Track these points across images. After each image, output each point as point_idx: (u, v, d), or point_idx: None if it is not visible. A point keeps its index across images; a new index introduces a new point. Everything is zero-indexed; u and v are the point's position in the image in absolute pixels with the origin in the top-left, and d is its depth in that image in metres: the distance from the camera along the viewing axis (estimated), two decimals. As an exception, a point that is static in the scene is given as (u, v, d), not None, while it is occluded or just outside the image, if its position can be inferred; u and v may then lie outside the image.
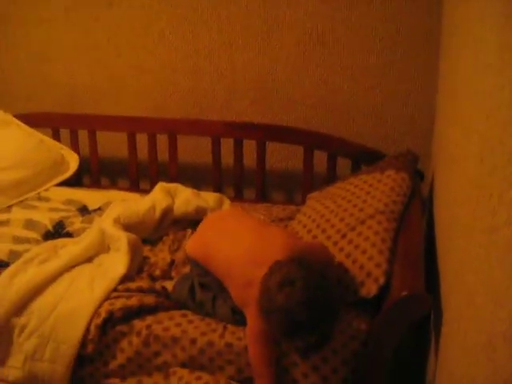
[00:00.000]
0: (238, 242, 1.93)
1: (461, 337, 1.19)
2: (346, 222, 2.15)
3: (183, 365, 1.91)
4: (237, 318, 1.92)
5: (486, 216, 1.03)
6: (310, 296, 1.59)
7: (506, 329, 0.81)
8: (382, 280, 1.85)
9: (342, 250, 2.05)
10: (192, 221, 2.60)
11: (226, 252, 1.92)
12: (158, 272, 2.25)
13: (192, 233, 2.42)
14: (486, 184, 1.05)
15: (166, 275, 2.25)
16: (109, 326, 1.98)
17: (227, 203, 2.73)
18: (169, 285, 2.17)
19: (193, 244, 2.09)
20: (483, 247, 1.04)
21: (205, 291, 2.03)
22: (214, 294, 2.00)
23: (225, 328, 1.92)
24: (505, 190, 0.89)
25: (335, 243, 2.09)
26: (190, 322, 1.97)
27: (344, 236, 2.09)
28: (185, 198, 2.67)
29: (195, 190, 2.74)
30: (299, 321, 1.59)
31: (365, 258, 1.96)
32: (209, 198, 2.72)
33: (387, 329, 1.66)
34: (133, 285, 2.13)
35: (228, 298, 1.93)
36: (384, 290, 1.86)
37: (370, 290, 1.87)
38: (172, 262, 2.31)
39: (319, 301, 1.62)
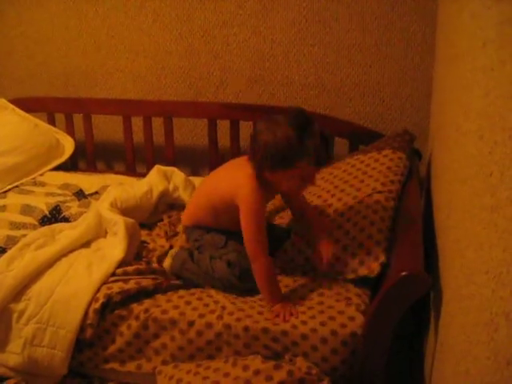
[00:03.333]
0: (214, 176, 2.19)
1: (461, 316, 1.18)
2: (344, 201, 2.17)
3: (181, 348, 1.91)
4: (234, 271, 2.01)
5: (485, 194, 1.02)
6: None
7: (510, 309, 0.80)
8: (382, 258, 1.89)
9: (340, 227, 2.07)
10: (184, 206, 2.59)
11: (207, 185, 2.18)
12: (155, 259, 2.24)
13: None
14: (486, 161, 1.03)
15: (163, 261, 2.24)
16: (107, 311, 1.97)
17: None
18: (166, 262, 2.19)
19: (186, 212, 2.26)
20: (483, 225, 1.02)
21: (201, 253, 2.13)
22: (210, 254, 2.09)
23: (223, 308, 1.91)
24: (506, 168, 0.88)
25: (333, 221, 2.10)
26: (188, 303, 1.96)
27: (342, 215, 2.11)
28: (176, 185, 2.66)
29: (187, 178, 2.73)
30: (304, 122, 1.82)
31: (364, 236, 1.98)
32: (197, 183, 2.68)
33: (387, 309, 1.66)
34: (131, 268, 2.12)
35: (223, 255, 2.06)
36: (382, 269, 1.88)
37: (372, 268, 1.90)
38: (170, 248, 2.30)
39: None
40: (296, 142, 1.79)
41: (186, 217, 2.24)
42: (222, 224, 2.13)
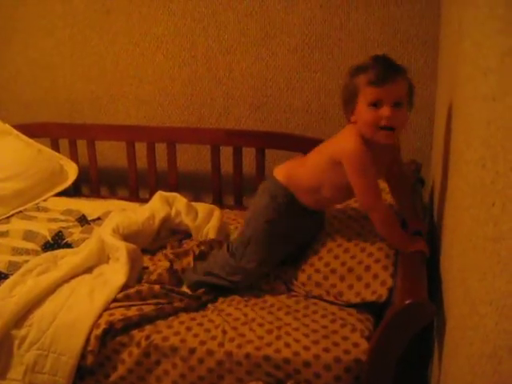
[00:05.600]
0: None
1: (465, 347, 1.17)
2: (352, 227, 2.21)
3: (182, 376, 1.89)
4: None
5: (488, 224, 1.02)
6: None
7: (513, 342, 0.79)
8: (389, 283, 1.90)
9: (347, 251, 2.10)
10: (187, 232, 2.61)
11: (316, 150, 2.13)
12: (154, 276, 2.23)
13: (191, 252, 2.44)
14: (488, 191, 1.03)
15: (162, 280, 2.23)
16: (108, 337, 1.96)
17: (217, 214, 2.69)
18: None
19: (284, 167, 2.19)
20: (486, 255, 1.02)
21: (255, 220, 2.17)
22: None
23: (224, 333, 1.91)
24: (508, 199, 0.88)
25: (339, 245, 2.13)
26: (189, 329, 1.95)
27: (350, 240, 2.14)
28: (178, 210, 2.64)
29: (189, 203, 2.70)
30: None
31: (371, 260, 2.01)
32: (200, 209, 2.68)
33: (391, 336, 1.65)
34: (132, 290, 2.11)
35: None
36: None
37: (380, 293, 1.91)
38: (170, 268, 2.28)
39: None
40: (352, 70, 1.93)
41: (280, 170, 2.18)
42: (320, 196, 2.10)
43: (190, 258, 2.35)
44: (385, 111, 1.84)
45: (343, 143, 1.95)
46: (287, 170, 2.15)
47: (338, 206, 2.32)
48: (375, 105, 1.85)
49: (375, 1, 2.75)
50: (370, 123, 1.87)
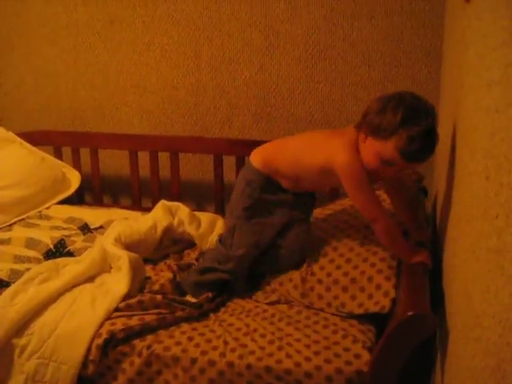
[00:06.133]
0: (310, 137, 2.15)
1: (468, 359, 1.16)
2: (353, 237, 2.20)
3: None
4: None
5: (491, 236, 1.01)
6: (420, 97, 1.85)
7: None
8: (392, 294, 1.90)
9: (349, 261, 2.09)
10: (190, 241, 2.61)
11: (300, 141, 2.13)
12: (157, 287, 2.23)
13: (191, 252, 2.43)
14: (492, 203, 1.03)
15: (165, 290, 2.23)
16: (110, 347, 1.95)
17: (220, 222, 2.68)
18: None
19: (261, 151, 2.19)
20: (489, 268, 1.02)
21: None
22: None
23: (225, 344, 1.90)
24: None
25: (341, 255, 2.12)
26: (190, 339, 1.95)
27: (352, 249, 2.13)
28: (180, 219, 2.64)
29: (192, 212, 2.70)
30: (412, 105, 1.80)
31: (374, 270, 2.00)
32: (203, 218, 2.69)
33: (393, 348, 1.64)
34: (133, 300, 2.11)
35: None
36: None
37: (383, 304, 1.91)
38: (173, 279, 2.29)
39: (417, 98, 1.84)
40: (394, 119, 1.78)
41: (256, 156, 2.17)
42: (299, 185, 2.13)
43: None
44: (389, 172, 1.90)
45: (338, 156, 1.93)
46: (265, 155, 2.15)
47: (340, 215, 2.32)
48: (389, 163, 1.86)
49: (379, 11, 2.76)
50: (372, 169, 1.90)
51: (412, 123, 1.77)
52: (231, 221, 2.23)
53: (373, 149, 1.85)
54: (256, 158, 2.16)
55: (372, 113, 1.85)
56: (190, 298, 2.21)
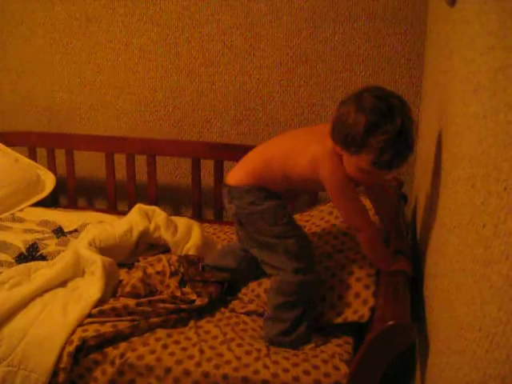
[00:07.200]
0: (289, 140, 2.00)
1: (451, 371, 1.12)
2: (331, 244, 2.16)
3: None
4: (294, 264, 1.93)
5: (477, 246, 0.98)
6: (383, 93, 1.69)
7: (506, 373, 0.75)
8: (371, 302, 1.88)
9: (327, 269, 2.05)
10: (166, 246, 2.55)
11: (281, 147, 1.98)
12: (128, 288, 2.17)
13: (163, 258, 2.36)
14: (479, 212, 0.99)
15: (136, 291, 2.17)
16: (81, 354, 1.89)
17: (196, 229, 2.61)
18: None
19: (243, 169, 2.02)
20: (475, 279, 0.98)
21: (252, 223, 2.00)
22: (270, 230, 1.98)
23: (201, 353, 1.85)
24: (501, 221, 0.84)
25: (320, 262, 2.07)
26: (165, 347, 1.90)
27: (330, 256, 2.09)
28: (157, 224, 2.57)
29: (169, 217, 2.63)
30: (374, 108, 1.64)
31: (352, 279, 1.97)
32: (180, 224, 2.62)
33: (371, 359, 1.59)
34: (107, 306, 2.05)
35: (283, 238, 1.95)
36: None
37: (362, 313, 1.88)
38: (143, 277, 2.22)
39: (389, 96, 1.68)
40: (358, 130, 1.65)
41: (242, 174, 1.99)
42: (267, 183, 1.96)
43: (165, 262, 2.30)
44: (374, 178, 1.84)
45: (323, 166, 1.82)
46: (250, 172, 1.98)
47: (318, 222, 2.29)
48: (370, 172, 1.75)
49: (361, 16, 2.73)
50: (354, 178, 1.80)
51: (378, 131, 1.63)
52: (265, 248, 1.98)
53: (351, 162, 1.75)
54: (239, 177, 1.99)
55: (338, 124, 1.73)
56: (191, 296, 2.14)
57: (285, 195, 2.01)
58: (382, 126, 1.62)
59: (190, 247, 2.48)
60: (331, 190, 1.85)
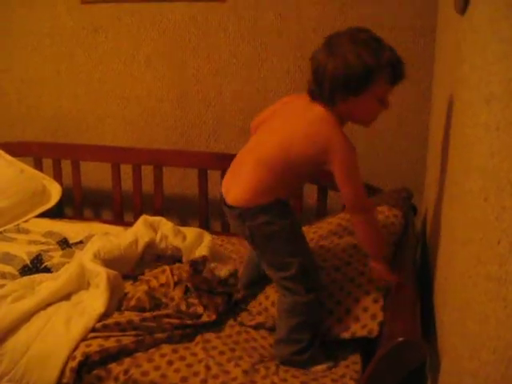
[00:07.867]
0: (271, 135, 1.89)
1: (464, 393, 1.08)
2: (339, 256, 2.11)
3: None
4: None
5: (492, 263, 0.94)
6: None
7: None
8: (380, 317, 1.83)
9: (334, 281, 2.00)
10: (173, 257, 2.51)
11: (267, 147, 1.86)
12: (133, 302, 2.13)
13: (167, 269, 2.32)
14: (493, 227, 0.95)
15: (141, 304, 2.13)
16: (84, 370, 1.85)
17: (207, 239, 2.59)
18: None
19: (242, 187, 1.85)
20: (489, 297, 0.94)
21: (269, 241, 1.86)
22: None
23: (207, 369, 1.81)
24: (517, 237, 0.80)
25: (328, 274, 2.03)
26: (170, 363, 1.86)
27: (338, 269, 2.04)
28: (164, 234, 2.54)
29: (176, 226, 2.61)
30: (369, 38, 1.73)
31: (361, 292, 1.93)
32: (188, 232, 2.59)
33: (380, 378, 1.55)
34: (111, 321, 2.01)
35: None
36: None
37: (370, 328, 1.83)
38: (148, 290, 2.18)
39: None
40: (369, 57, 1.64)
41: (250, 192, 1.81)
42: (278, 193, 1.81)
43: (168, 273, 2.26)
44: (386, 104, 1.76)
45: (334, 145, 1.70)
46: (257, 191, 1.80)
47: (326, 234, 2.24)
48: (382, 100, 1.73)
49: (369, 26, 2.68)
50: (375, 117, 1.77)
51: (382, 51, 1.70)
52: (291, 274, 1.84)
53: (361, 104, 1.70)
54: (247, 196, 1.81)
55: (330, 79, 1.69)
56: (198, 309, 2.09)
57: (292, 193, 1.97)
58: (382, 46, 1.71)
59: (203, 248, 2.45)
60: (343, 162, 1.70)
